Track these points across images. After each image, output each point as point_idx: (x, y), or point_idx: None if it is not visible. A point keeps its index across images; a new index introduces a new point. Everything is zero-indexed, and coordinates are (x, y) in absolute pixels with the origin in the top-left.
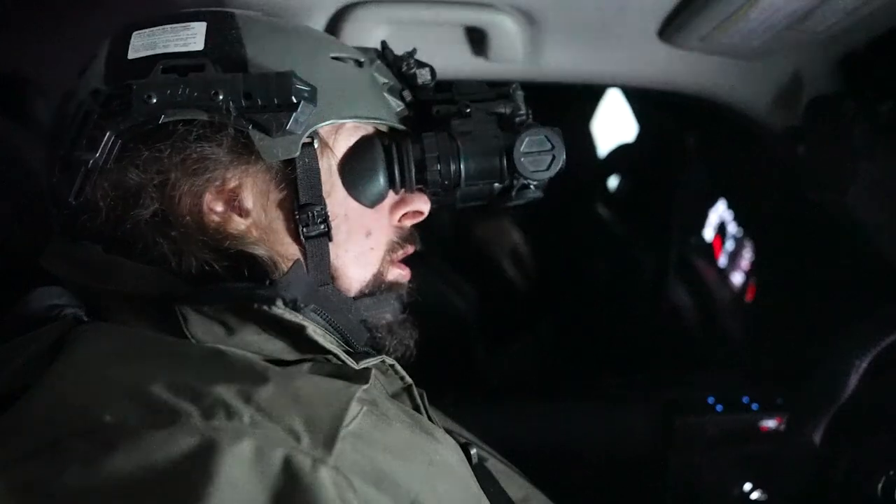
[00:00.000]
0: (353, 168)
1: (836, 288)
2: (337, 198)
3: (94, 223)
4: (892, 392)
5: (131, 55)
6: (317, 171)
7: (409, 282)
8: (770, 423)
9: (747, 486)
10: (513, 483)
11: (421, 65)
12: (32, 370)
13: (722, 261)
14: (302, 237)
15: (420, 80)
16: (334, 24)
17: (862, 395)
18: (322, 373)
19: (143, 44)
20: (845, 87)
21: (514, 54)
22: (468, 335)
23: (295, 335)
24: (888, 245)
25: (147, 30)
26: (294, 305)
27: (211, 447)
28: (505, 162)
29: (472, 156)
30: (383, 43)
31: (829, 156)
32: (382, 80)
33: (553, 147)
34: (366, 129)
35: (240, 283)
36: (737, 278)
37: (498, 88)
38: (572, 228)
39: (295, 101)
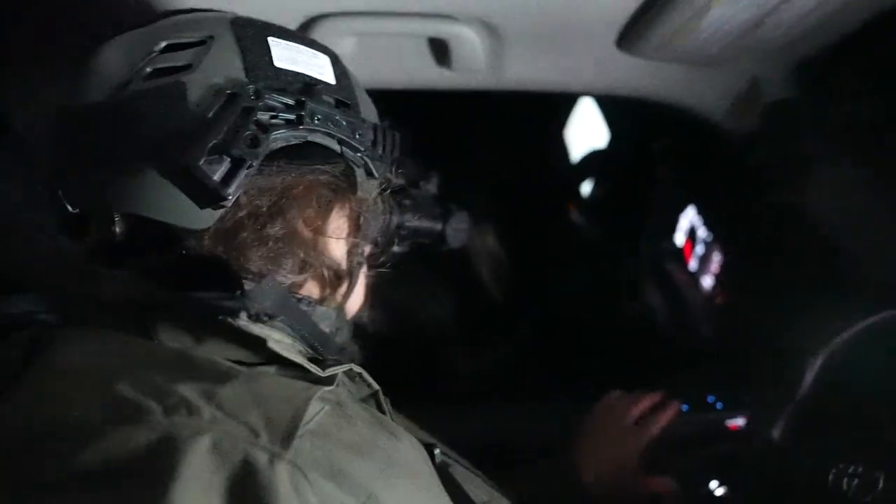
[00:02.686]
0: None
1: (800, 288)
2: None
3: (227, 222)
4: (843, 388)
5: (278, 63)
6: (376, 213)
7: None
8: (739, 422)
9: (713, 485)
10: (476, 485)
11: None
12: (5, 374)
13: (693, 264)
14: (354, 264)
15: None
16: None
17: (817, 392)
18: (289, 375)
19: (285, 55)
20: (801, 93)
21: (477, 64)
22: (445, 341)
23: (257, 347)
24: (846, 244)
25: (283, 41)
26: (258, 317)
27: (171, 442)
28: (440, 229)
29: (425, 221)
30: None
31: (786, 159)
32: None
33: (467, 224)
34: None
35: (210, 292)
36: (707, 281)
37: (424, 170)
38: (548, 235)
39: (398, 156)
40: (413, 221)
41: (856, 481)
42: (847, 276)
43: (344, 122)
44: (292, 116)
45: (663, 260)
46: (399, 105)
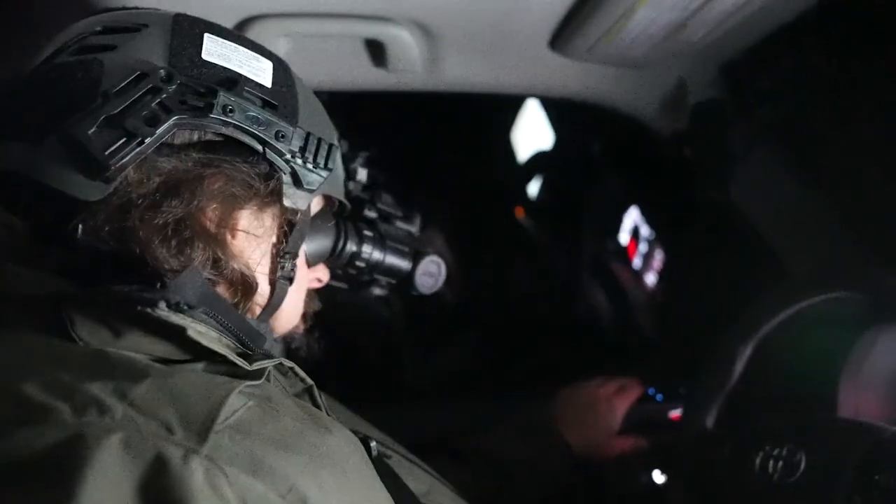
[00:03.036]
0: (314, 231)
1: (730, 281)
2: (301, 252)
3: (118, 199)
4: (770, 375)
5: (206, 56)
6: (307, 227)
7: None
8: (679, 412)
9: (655, 473)
10: (416, 477)
11: (364, 165)
12: None
13: (636, 263)
14: (276, 276)
15: (358, 177)
16: None
17: (746, 380)
18: (215, 372)
19: (217, 51)
20: (727, 94)
21: (413, 66)
22: (393, 343)
23: (178, 337)
24: (770, 238)
25: (220, 38)
26: (178, 307)
27: (79, 441)
28: (407, 269)
29: (392, 257)
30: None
31: (712, 157)
32: (341, 167)
33: (440, 273)
34: (326, 201)
35: (129, 284)
36: (650, 279)
37: (404, 208)
38: (494, 236)
39: (330, 168)
40: (373, 253)
41: (780, 463)
42: (773, 267)
43: (265, 122)
44: (201, 104)
45: (607, 259)
46: (343, 107)
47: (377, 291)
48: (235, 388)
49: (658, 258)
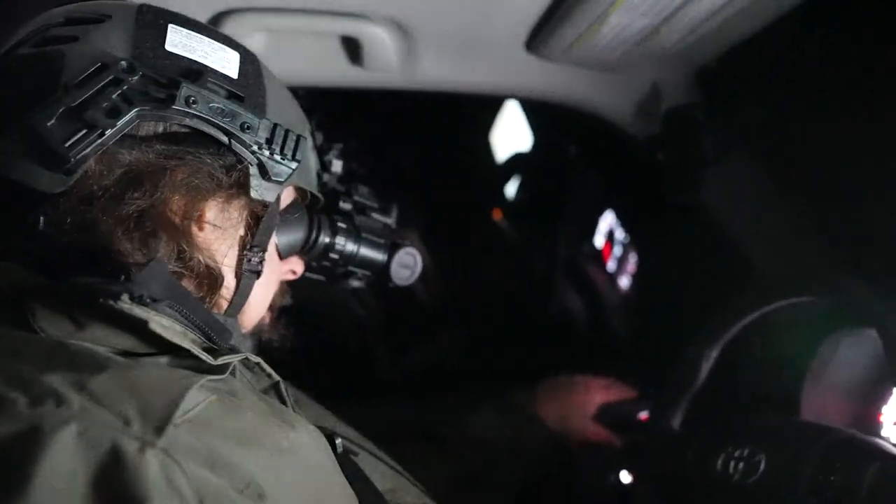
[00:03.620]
0: (285, 224)
1: (699, 284)
2: (271, 244)
3: (80, 191)
4: (734, 378)
5: (169, 48)
6: (275, 220)
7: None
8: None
9: (623, 473)
10: (382, 474)
11: (338, 157)
12: None
13: (611, 265)
14: (243, 270)
15: (333, 169)
16: None
17: (712, 382)
18: (179, 366)
19: (181, 42)
20: (699, 99)
21: (390, 64)
22: (368, 342)
23: (140, 330)
24: (740, 241)
25: (184, 29)
26: (141, 300)
27: (34, 432)
28: (385, 262)
29: (366, 249)
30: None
31: (683, 161)
32: (313, 159)
33: (416, 264)
34: (298, 193)
35: (92, 277)
36: (624, 282)
37: (381, 200)
38: (471, 237)
39: (299, 160)
40: (347, 245)
41: (741, 464)
42: (742, 270)
43: (229, 114)
44: (163, 95)
45: (582, 261)
46: (321, 103)
47: (354, 283)
48: (197, 381)
49: (632, 261)
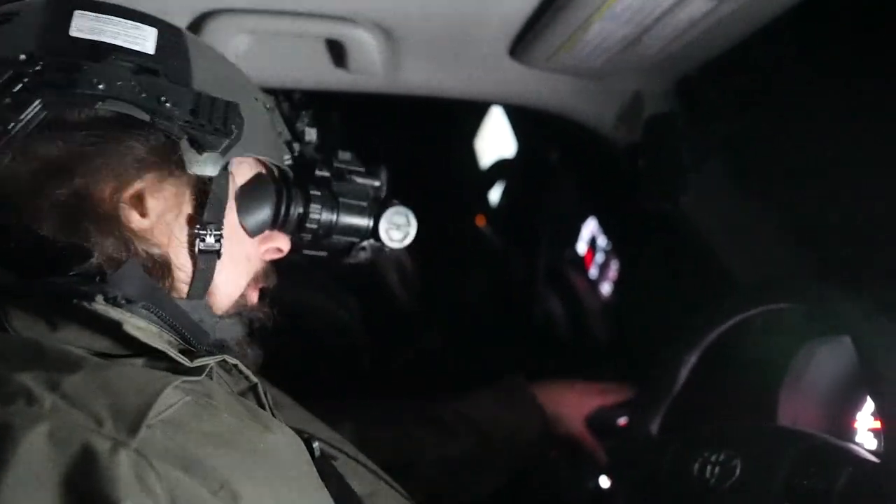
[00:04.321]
0: (248, 199)
1: (677, 290)
2: (230, 221)
3: (4, 189)
4: (712, 383)
5: (74, 33)
6: (224, 194)
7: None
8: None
9: (602, 479)
10: (362, 478)
11: (311, 125)
12: None
13: (593, 272)
14: (196, 250)
15: (307, 139)
16: (192, 31)
17: (690, 387)
18: (154, 367)
19: (87, 26)
20: (679, 108)
21: (374, 67)
22: (352, 347)
23: (115, 332)
24: (718, 249)
25: (91, 13)
26: (116, 301)
27: (5, 431)
28: (371, 227)
29: (346, 216)
30: (277, 98)
31: (663, 169)
32: (279, 128)
33: (409, 223)
34: (262, 167)
35: (67, 277)
36: (605, 288)
37: (368, 165)
38: (455, 243)
39: (234, 129)
40: (323, 214)
41: (717, 469)
42: (721, 277)
43: (142, 89)
44: (64, 81)
45: (565, 268)
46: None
47: (363, 255)
48: (172, 382)
49: (614, 268)
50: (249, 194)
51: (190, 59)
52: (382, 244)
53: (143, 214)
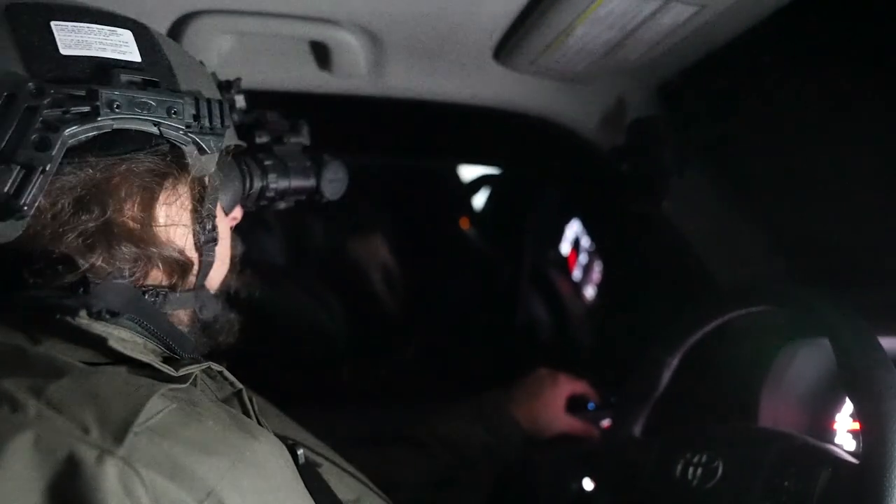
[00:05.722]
0: (222, 182)
1: (659, 293)
2: (217, 207)
3: (34, 229)
4: (694, 385)
5: (64, 51)
6: (215, 184)
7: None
8: (609, 421)
9: (585, 481)
10: (346, 485)
11: (239, 91)
12: None
13: (576, 274)
14: (201, 241)
15: (238, 105)
16: (175, 32)
17: (672, 389)
18: (139, 374)
19: (72, 40)
20: (662, 112)
21: (358, 70)
22: (335, 350)
23: (99, 346)
24: (699, 251)
25: (70, 23)
26: (100, 315)
27: None
28: (316, 185)
29: (296, 179)
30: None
31: (646, 173)
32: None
33: (343, 175)
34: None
35: (50, 289)
36: (589, 290)
37: (290, 121)
38: (439, 245)
39: (228, 125)
40: (279, 182)
41: (699, 470)
42: (702, 280)
43: (153, 103)
44: (86, 108)
45: (548, 270)
46: (287, 109)
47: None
48: (158, 390)
49: (597, 269)
50: (223, 177)
51: (168, 60)
52: (323, 197)
53: (159, 223)
